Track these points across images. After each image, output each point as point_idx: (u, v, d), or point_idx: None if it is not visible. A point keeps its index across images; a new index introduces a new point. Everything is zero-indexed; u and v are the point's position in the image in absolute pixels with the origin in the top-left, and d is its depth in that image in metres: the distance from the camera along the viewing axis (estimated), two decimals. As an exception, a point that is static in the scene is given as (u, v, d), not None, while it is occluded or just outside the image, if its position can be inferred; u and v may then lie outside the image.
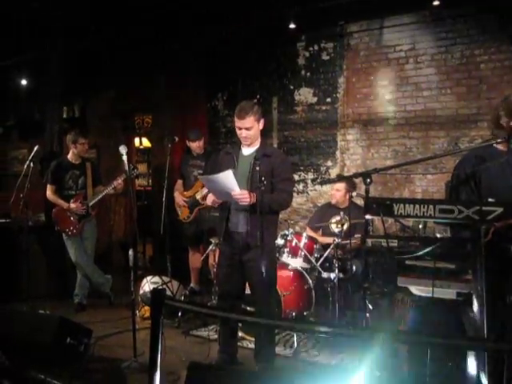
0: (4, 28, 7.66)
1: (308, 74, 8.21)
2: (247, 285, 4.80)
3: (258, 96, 8.57)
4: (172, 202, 7.10)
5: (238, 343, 5.07)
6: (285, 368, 4.88)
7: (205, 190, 6.35)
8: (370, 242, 3.86)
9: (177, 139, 6.85)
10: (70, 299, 6.88)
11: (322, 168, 8.09)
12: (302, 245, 5.95)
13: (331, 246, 5.89)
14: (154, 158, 10.37)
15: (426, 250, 3.55)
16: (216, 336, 5.31)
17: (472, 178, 3.73)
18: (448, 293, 3.62)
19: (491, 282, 3.18)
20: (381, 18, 7.51)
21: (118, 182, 6.52)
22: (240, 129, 4.56)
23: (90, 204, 6.74)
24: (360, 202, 6.25)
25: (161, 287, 5.97)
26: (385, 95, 7.54)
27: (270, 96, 8.53)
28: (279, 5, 7.11)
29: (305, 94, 8.23)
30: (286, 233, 6.01)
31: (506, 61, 6.73)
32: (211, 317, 5.40)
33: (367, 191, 3.35)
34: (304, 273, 5.95)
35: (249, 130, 4.53)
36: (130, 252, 4.99)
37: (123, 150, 5.09)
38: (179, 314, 6.00)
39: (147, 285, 6.31)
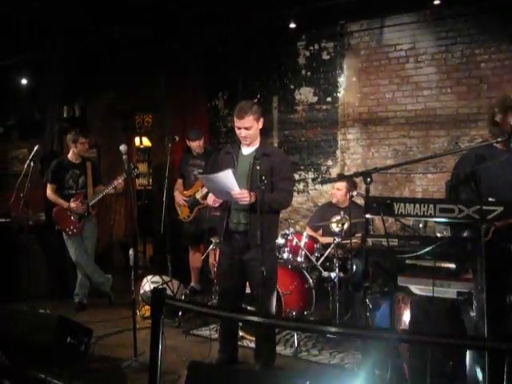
0: (4, 28, 7.65)
1: (308, 73, 8.21)
2: (247, 284, 4.80)
3: (258, 95, 8.57)
4: (172, 202, 7.10)
5: (239, 342, 5.07)
6: (285, 367, 4.89)
7: (205, 190, 6.36)
8: (370, 241, 3.86)
9: (177, 139, 6.85)
10: (71, 299, 6.88)
11: (322, 167, 8.09)
12: (302, 244, 5.95)
13: (332, 246, 5.89)
14: (154, 157, 10.37)
15: (425, 250, 3.55)
16: (216, 335, 5.31)
17: (472, 178, 3.73)
18: (448, 292, 3.62)
19: (491, 282, 3.18)
20: (381, 18, 7.50)
21: (119, 181, 6.52)
22: (239, 128, 4.56)
23: (91, 203, 6.74)
24: (360, 201, 6.26)
25: (161, 287, 5.96)
26: (385, 94, 7.53)
27: (271, 95, 8.53)
28: (279, 5, 7.10)
29: (305, 94, 8.23)
30: (287, 232, 6.01)
31: (506, 60, 6.72)
32: (212, 316, 5.40)
33: (367, 190, 3.35)
34: (304, 272, 5.95)
35: (248, 129, 4.53)
36: (131, 251, 4.99)
37: (123, 149, 5.08)
38: (180, 313, 6.01)
39: (147, 284, 6.31)
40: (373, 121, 7.64)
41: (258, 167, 4.38)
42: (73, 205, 6.66)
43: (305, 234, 6.10)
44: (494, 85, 6.74)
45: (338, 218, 6.16)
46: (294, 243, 5.96)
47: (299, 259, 5.93)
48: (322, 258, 6.02)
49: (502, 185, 3.60)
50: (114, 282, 7.11)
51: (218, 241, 5.99)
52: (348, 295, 5.84)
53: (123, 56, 8.57)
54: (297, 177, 8.12)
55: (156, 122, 10.01)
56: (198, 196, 6.83)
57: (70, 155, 6.90)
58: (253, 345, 5.16)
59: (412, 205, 3.13)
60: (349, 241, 5.54)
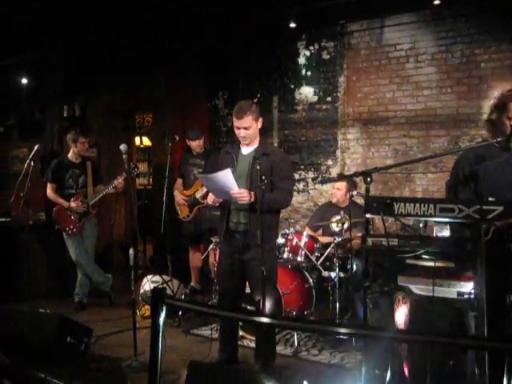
0: (4, 28, 7.65)
1: (308, 73, 8.20)
2: (247, 284, 4.80)
3: (258, 95, 8.57)
4: (172, 201, 7.10)
5: (239, 342, 5.07)
6: (285, 367, 4.89)
7: (204, 189, 6.36)
8: (370, 241, 3.86)
9: (177, 138, 6.86)
10: (71, 298, 6.89)
11: (322, 167, 8.09)
12: (302, 244, 5.95)
13: (331, 245, 5.89)
14: (154, 156, 10.38)
15: (424, 250, 3.56)
16: (216, 335, 5.31)
17: (471, 178, 3.73)
18: (448, 292, 3.62)
19: (491, 281, 3.18)
20: (381, 17, 7.50)
21: (119, 181, 6.52)
22: (238, 128, 4.56)
23: (91, 203, 6.74)
24: (360, 201, 6.25)
25: (161, 286, 5.97)
26: (385, 94, 7.53)
27: (271, 95, 8.52)
28: (279, 4, 7.11)
29: (305, 93, 8.23)
30: (287, 232, 6.01)
31: (506, 60, 6.72)
32: (212, 316, 5.40)
33: (367, 190, 3.35)
34: (304, 272, 5.95)
35: (247, 129, 4.53)
36: (131, 251, 4.99)
37: (124, 148, 5.08)
38: (180, 313, 6.01)
39: (148, 284, 6.31)
40: (373, 120, 7.63)
41: (257, 167, 4.38)
42: (73, 204, 6.67)
43: (305, 233, 6.10)
44: (494, 84, 6.74)
45: (338, 217, 6.16)
46: (294, 243, 5.96)
47: (299, 259, 5.93)
48: (322, 258, 6.02)
49: (502, 184, 3.60)
50: (114, 282, 7.12)
51: (218, 240, 5.99)
52: (348, 295, 5.84)
53: (123, 56, 8.58)
54: (297, 176, 8.12)
55: (156, 122, 10.01)
56: (198, 195, 6.83)
57: (70, 155, 6.90)
58: (253, 344, 5.17)
59: (412, 204, 3.13)
60: (349, 240, 5.56)
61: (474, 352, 3.47)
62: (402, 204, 3.15)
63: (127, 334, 5.28)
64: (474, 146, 4.13)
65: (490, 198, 3.18)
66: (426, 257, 3.74)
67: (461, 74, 7.01)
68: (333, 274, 5.75)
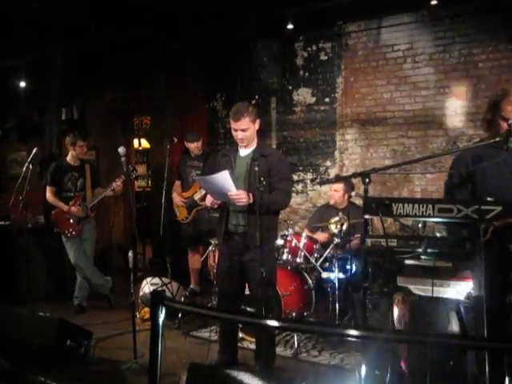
0: (3, 29, 7.65)
1: (306, 74, 8.21)
2: (247, 285, 4.80)
3: (256, 96, 8.57)
4: (171, 203, 7.10)
5: (238, 344, 5.07)
6: (285, 369, 4.88)
7: (203, 191, 6.36)
8: (369, 241, 3.86)
9: (176, 140, 6.85)
10: (70, 301, 6.88)
11: (320, 168, 8.10)
12: (301, 245, 5.95)
13: (331, 246, 5.89)
14: (153, 159, 10.38)
15: (422, 250, 3.56)
16: (216, 337, 5.31)
17: (468, 179, 3.74)
18: (448, 292, 3.62)
19: (491, 281, 3.18)
20: (379, 18, 7.51)
21: (117, 183, 6.53)
22: (236, 130, 4.56)
23: (89, 206, 6.74)
24: (359, 201, 6.25)
25: (160, 288, 5.97)
26: (383, 95, 7.54)
27: (269, 96, 8.53)
28: (277, 5, 7.11)
29: (303, 95, 8.23)
30: (286, 233, 6.01)
31: (503, 60, 6.73)
32: (211, 318, 5.40)
33: (366, 191, 3.35)
34: (304, 273, 5.95)
35: (245, 131, 4.53)
36: (130, 253, 4.99)
37: (122, 151, 5.08)
38: (179, 315, 6.01)
39: (147, 286, 6.31)
40: (371, 121, 7.64)
41: (256, 168, 4.38)
42: (73, 209, 6.66)
43: (304, 234, 6.10)
44: (492, 84, 6.74)
45: (337, 218, 6.16)
46: (293, 244, 5.96)
47: (298, 260, 5.93)
48: (322, 259, 6.02)
49: (500, 185, 3.60)
50: (113, 284, 7.11)
51: (217, 242, 6.00)
52: (347, 296, 5.84)
53: (123, 56, 8.58)
54: (295, 178, 8.13)
55: (154, 124, 10.02)
56: (197, 197, 6.82)
57: (68, 158, 6.90)
58: (253, 346, 5.16)
59: (411, 205, 3.13)
60: (348, 241, 5.56)
61: (473, 352, 3.47)
62: (401, 204, 3.14)
63: (127, 336, 5.27)
64: (471, 146, 4.13)
65: (489, 198, 3.18)
66: (426, 257, 3.74)
67: (459, 73, 7.02)
68: (332, 275, 5.75)
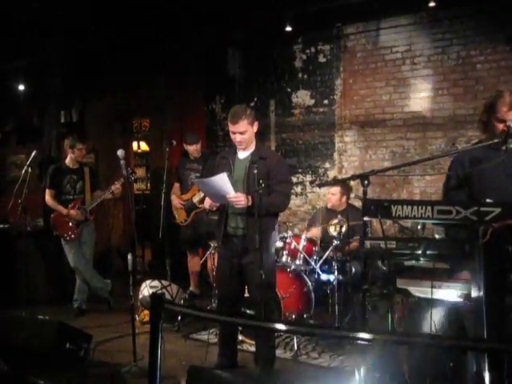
0: (3, 29, 7.64)
1: (305, 76, 8.21)
2: (246, 288, 4.80)
3: (255, 99, 8.58)
4: (170, 206, 7.10)
5: (238, 346, 5.07)
6: (285, 371, 4.88)
7: (202, 194, 6.36)
8: (368, 243, 3.86)
9: (174, 143, 6.87)
10: (69, 304, 6.88)
11: (320, 170, 8.10)
12: (300, 247, 5.95)
13: (330, 248, 5.89)
14: (152, 161, 10.39)
15: (420, 251, 3.56)
16: (216, 339, 5.31)
17: (464, 181, 3.74)
18: (447, 294, 3.62)
19: (490, 283, 3.18)
20: (377, 20, 7.52)
21: (116, 186, 6.53)
22: (234, 133, 4.56)
23: (88, 209, 6.74)
24: (358, 203, 6.26)
25: (160, 291, 5.97)
26: (382, 96, 7.54)
27: (268, 99, 8.53)
28: (276, 6, 7.11)
29: (302, 97, 8.24)
30: (285, 235, 6.01)
31: (502, 61, 6.74)
32: (211, 320, 5.40)
33: (365, 193, 3.35)
34: (303, 275, 5.94)
35: (243, 133, 4.53)
36: (129, 256, 4.98)
37: (121, 154, 5.08)
38: (179, 317, 6.00)
39: (146, 289, 6.30)
40: (370, 123, 7.65)
41: (255, 171, 4.38)
42: (72, 212, 6.66)
43: (303, 236, 6.10)
44: (490, 86, 6.74)
45: (336, 221, 6.16)
46: (293, 246, 5.96)
47: (298, 262, 5.93)
48: (321, 261, 6.01)
49: (499, 186, 3.61)
50: (112, 287, 7.11)
51: (216, 245, 6.00)
52: (347, 298, 5.84)
53: (123, 56, 8.58)
54: (294, 180, 8.13)
55: (153, 127, 10.02)
56: (195, 200, 6.82)
57: (67, 161, 6.91)
58: (252, 349, 5.16)
59: (410, 207, 3.13)
60: (347, 243, 5.57)
61: (473, 354, 3.47)
62: (400, 206, 3.14)
63: (126, 339, 5.27)
64: (470, 148, 4.13)
65: (488, 200, 3.18)
66: (425, 259, 3.74)
67: (457, 75, 7.03)
68: (331, 277, 5.75)
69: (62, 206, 6.71)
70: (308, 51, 8.17)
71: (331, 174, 7.97)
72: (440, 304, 3.70)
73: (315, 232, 6.36)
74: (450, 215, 3.06)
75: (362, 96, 7.71)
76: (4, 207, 7.00)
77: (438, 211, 3.09)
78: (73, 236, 6.70)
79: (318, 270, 5.96)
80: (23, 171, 6.35)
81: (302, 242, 6.00)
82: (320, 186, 7.90)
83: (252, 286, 4.62)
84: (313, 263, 5.96)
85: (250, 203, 4.39)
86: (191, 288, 7.34)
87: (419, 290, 3.73)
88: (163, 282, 6.29)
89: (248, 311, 5.22)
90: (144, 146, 11.88)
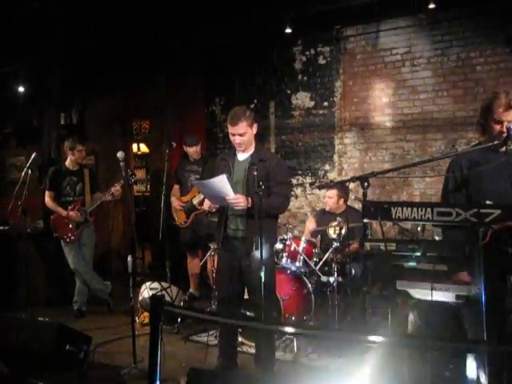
0: (3, 32, 7.64)
1: (305, 78, 8.22)
2: (246, 290, 4.80)
3: (255, 101, 8.58)
4: (170, 208, 7.10)
5: (238, 348, 5.06)
6: (285, 373, 4.88)
7: (202, 196, 6.36)
8: (368, 245, 3.86)
9: (174, 145, 6.86)
10: (69, 306, 6.88)
11: (319, 172, 8.10)
12: (300, 249, 5.94)
13: (330, 250, 5.89)
14: (152, 163, 10.39)
15: (419, 253, 3.56)
16: (216, 341, 5.30)
17: (462, 183, 3.75)
18: (447, 295, 3.62)
19: (490, 285, 3.18)
20: (377, 22, 7.52)
21: (116, 188, 6.53)
22: (233, 135, 4.56)
23: (88, 211, 6.74)
24: (358, 205, 6.26)
25: (160, 293, 5.97)
26: (382, 98, 7.55)
27: (267, 100, 8.53)
28: (275, 9, 7.11)
29: (302, 99, 8.24)
30: (285, 237, 6.00)
31: (501, 63, 6.75)
32: (211, 322, 5.40)
33: (365, 195, 3.35)
34: (303, 277, 5.94)
35: (242, 135, 4.53)
36: (129, 258, 4.98)
37: (121, 156, 5.08)
38: (179, 319, 6.00)
39: (146, 291, 6.30)
40: (370, 125, 7.65)
41: (254, 173, 4.37)
42: (71, 213, 6.66)
43: (303, 238, 6.10)
44: (489, 88, 6.75)
45: (335, 223, 6.15)
46: (293, 248, 5.96)
47: (298, 264, 5.92)
48: (321, 263, 6.01)
49: (499, 188, 3.61)
50: (112, 289, 7.11)
51: (216, 247, 5.99)
52: (347, 300, 5.84)
53: (123, 56, 8.59)
54: (294, 182, 8.14)
55: (153, 128, 10.02)
56: (195, 202, 6.82)
57: (67, 162, 6.91)
58: (252, 350, 5.16)
59: (409, 209, 3.13)
60: (347, 245, 5.57)
61: (473, 355, 3.47)
62: (400, 208, 3.14)
63: (126, 341, 5.27)
64: (469, 150, 4.13)
65: (488, 202, 3.18)
66: (425, 261, 3.74)
67: (457, 77, 7.04)
68: (331, 279, 5.75)
69: (61, 208, 6.72)
70: (308, 53, 8.18)
71: (331, 175, 7.97)
72: (440, 306, 3.70)
73: (312, 224, 6.40)
74: (450, 217, 3.06)
75: (362, 98, 7.71)
76: (4, 209, 7.00)
77: (437, 213, 3.09)
78: (72, 238, 6.70)
79: (318, 271, 5.96)
80: (23, 173, 6.35)
81: (302, 244, 6.00)
82: (320, 187, 7.89)
83: (252, 288, 4.61)
84: (313, 265, 5.95)
85: (249, 205, 4.39)
86: (191, 290, 7.34)
87: (419, 292, 3.73)
88: (163, 283, 6.30)
89: (248, 313, 5.21)
90: (144, 148, 11.88)
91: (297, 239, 6.09)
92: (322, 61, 8.06)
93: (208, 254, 6.77)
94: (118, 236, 9.92)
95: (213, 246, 6.31)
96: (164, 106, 9.22)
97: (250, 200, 4.40)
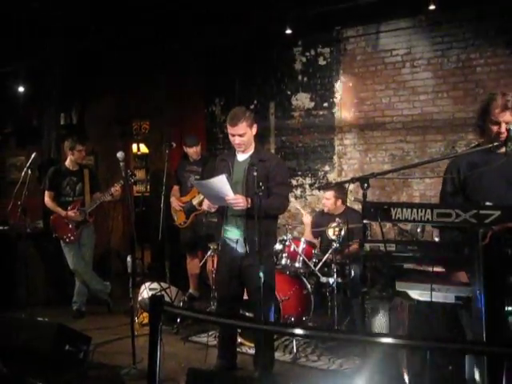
0: (3, 32, 7.64)
1: (305, 78, 8.22)
2: (245, 290, 4.80)
3: (255, 101, 8.58)
4: (169, 208, 7.10)
5: (237, 349, 5.06)
6: (284, 373, 4.88)
7: (202, 196, 6.36)
8: (368, 246, 3.86)
9: (174, 145, 6.86)
10: (69, 306, 6.87)
11: (319, 173, 8.10)
12: (300, 250, 5.94)
13: (329, 251, 5.89)
14: (151, 163, 10.39)
15: (419, 255, 3.57)
16: (215, 342, 5.30)
17: (459, 185, 3.75)
18: (447, 297, 3.62)
19: (489, 286, 3.18)
20: (377, 23, 7.53)
21: (116, 188, 6.52)
22: (233, 136, 4.56)
23: (88, 211, 6.74)
24: (357, 206, 6.26)
25: (159, 293, 5.97)
26: (381, 99, 7.55)
27: (267, 101, 8.53)
28: (276, 8, 7.12)
29: (302, 99, 8.24)
30: (285, 238, 6.00)
31: (501, 64, 6.75)
32: (210, 323, 5.40)
33: (365, 196, 3.35)
34: (302, 278, 5.95)
35: (242, 136, 4.53)
36: (129, 258, 4.99)
37: (121, 156, 5.08)
38: (178, 320, 6.00)
39: (146, 291, 6.30)
40: (369, 126, 7.65)
41: (254, 173, 4.38)
42: (71, 213, 6.66)
43: (302, 239, 6.10)
44: (489, 89, 6.74)
45: (335, 224, 6.15)
46: (292, 249, 5.96)
47: (297, 265, 5.92)
48: (320, 264, 6.01)
49: (498, 190, 3.61)
50: (112, 289, 7.11)
51: (215, 247, 5.99)
52: (346, 301, 5.84)
53: (123, 56, 8.59)
54: (294, 182, 8.14)
55: (153, 128, 10.02)
56: (195, 202, 6.82)
57: (67, 162, 6.91)
58: (252, 351, 5.16)
59: (409, 210, 3.13)
60: (346, 246, 5.57)
61: (472, 357, 3.47)
62: (400, 209, 3.14)
63: (126, 341, 5.26)
64: (468, 152, 4.13)
65: (488, 203, 3.19)
66: (424, 262, 3.74)
67: (457, 78, 7.04)
68: (331, 280, 5.75)
69: (60, 208, 6.71)
70: (308, 54, 8.18)
71: (331, 176, 7.97)
72: (439, 307, 3.70)
73: (308, 219, 6.45)
74: (450, 218, 3.06)
75: (362, 99, 7.71)
76: (4, 209, 7.00)
77: (437, 214, 3.08)
78: (72, 238, 6.70)
79: (318, 272, 5.95)
80: (23, 173, 6.35)
81: (302, 245, 6.00)
82: (319, 188, 7.90)
83: (251, 289, 4.61)
84: (312, 266, 5.95)
85: (249, 205, 4.39)
86: (190, 290, 7.34)
87: (418, 293, 3.73)
88: (162, 284, 6.30)
89: (247, 313, 5.22)
90: (144, 148, 11.87)
91: (296, 240, 6.09)
92: (322, 62, 8.06)
93: (207, 254, 6.77)
94: (118, 236, 9.92)
95: (212, 246, 6.31)
96: (164, 106, 9.23)
97: (249, 200, 4.40)
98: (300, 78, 8.26)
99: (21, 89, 9.16)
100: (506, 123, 3.55)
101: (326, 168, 8.03)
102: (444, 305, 3.66)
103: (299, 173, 8.25)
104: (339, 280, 5.72)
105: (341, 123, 7.89)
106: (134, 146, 11.51)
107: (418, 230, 5.78)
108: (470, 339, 3.50)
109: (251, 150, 4.66)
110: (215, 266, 5.54)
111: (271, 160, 4.68)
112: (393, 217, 3.16)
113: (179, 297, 6.42)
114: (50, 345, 4.58)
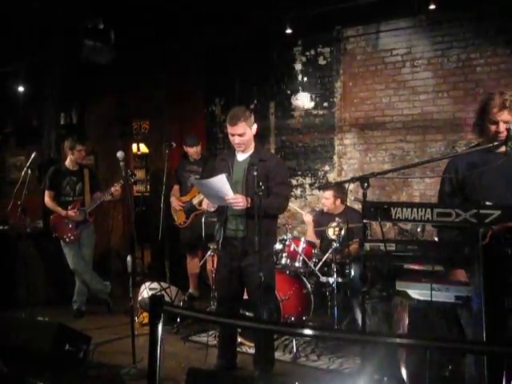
0: (3, 32, 7.64)
1: (305, 78, 8.22)
2: (246, 290, 4.80)
3: (255, 101, 8.58)
4: (169, 208, 7.10)
5: (237, 348, 5.06)
6: (284, 373, 4.88)
7: (201, 196, 6.36)
8: (368, 246, 3.86)
9: (174, 145, 6.86)
10: (69, 306, 6.87)
11: (319, 173, 8.10)
12: (300, 249, 5.94)
13: (329, 251, 5.89)
14: (151, 163, 10.38)
15: (419, 254, 3.57)
16: (215, 341, 5.30)
17: (458, 186, 3.75)
18: (447, 296, 3.62)
19: (489, 286, 3.18)
20: (377, 23, 7.52)
21: (116, 188, 6.53)
22: (233, 135, 4.56)
23: (88, 211, 6.74)
24: (358, 206, 6.26)
25: (159, 293, 5.97)
26: (382, 99, 7.55)
27: (267, 101, 8.53)
28: (275, 10, 7.12)
29: (302, 99, 8.23)
30: (285, 237, 6.00)
31: (501, 64, 6.75)
32: (210, 322, 5.40)
33: (365, 195, 3.35)
34: (302, 277, 5.95)
35: (241, 136, 4.53)
36: (129, 258, 4.98)
37: (121, 156, 5.08)
38: (178, 319, 6.00)
39: (146, 291, 6.30)
40: (369, 126, 7.65)
41: (254, 173, 4.37)
42: (70, 213, 6.66)
43: (302, 239, 6.10)
44: (490, 89, 6.73)
45: (334, 224, 6.15)
46: (292, 248, 5.96)
47: (297, 264, 5.92)
48: (320, 263, 6.01)
49: (499, 190, 3.61)
50: (112, 289, 7.11)
51: (215, 247, 5.99)
52: (346, 300, 5.83)
53: (123, 57, 8.58)
54: (294, 182, 8.14)
55: (153, 128, 10.02)
56: (195, 202, 6.82)
57: (67, 162, 6.91)
58: (251, 351, 5.16)
59: (409, 209, 3.13)
60: (346, 246, 5.57)
61: (472, 356, 3.47)
62: (400, 209, 3.14)
63: (126, 341, 5.27)
64: (468, 151, 4.13)
65: (488, 202, 3.18)
66: (424, 261, 3.74)
67: (457, 78, 7.04)
68: (331, 280, 5.75)
69: (60, 208, 6.71)
70: (308, 53, 8.18)
71: (331, 176, 7.97)
72: (439, 306, 3.70)
73: (308, 218, 6.45)
74: (450, 218, 3.06)
75: (362, 99, 7.71)
76: (4, 209, 7.00)
77: (437, 214, 3.09)
78: (72, 238, 6.70)
79: (318, 272, 5.96)
80: (23, 173, 6.35)
81: (302, 245, 6.00)
82: (319, 188, 7.90)
83: (251, 288, 4.61)
84: (312, 265, 5.96)
85: (248, 205, 4.39)
86: (190, 290, 7.34)
87: (418, 293, 3.73)
88: (162, 283, 6.30)
89: (247, 313, 5.22)
90: (144, 148, 11.85)
91: (296, 239, 6.09)
92: (322, 61, 8.06)
93: (207, 254, 6.77)
94: (118, 236, 9.92)
95: (212, 246, 6.31)
96: (164, 106, 9.23)
97: (249, 200, 4.40)
98: (300, 77, 8.26)
99: (21, 89, 9.15)
100: (505, 122, 3.56)
101: (326, 168, 8.03)
102: (444, 304, 3.66)
103: (299, 173, 8.25)
104: (339, 280, 5.72)
105: (341, 123, 7.89)
106: (134, 146, 11.50)
107: (418, 230, 5.78)
108: (469, 339, 3.50)
109: (251, 150, 4.67)
110: (215, 265, 5.53)
111: (271, 160, 4.68)
112: (393, 216, 3.16)
113: (179, 296, 6.43)
114: (49, 344, 4.59)
